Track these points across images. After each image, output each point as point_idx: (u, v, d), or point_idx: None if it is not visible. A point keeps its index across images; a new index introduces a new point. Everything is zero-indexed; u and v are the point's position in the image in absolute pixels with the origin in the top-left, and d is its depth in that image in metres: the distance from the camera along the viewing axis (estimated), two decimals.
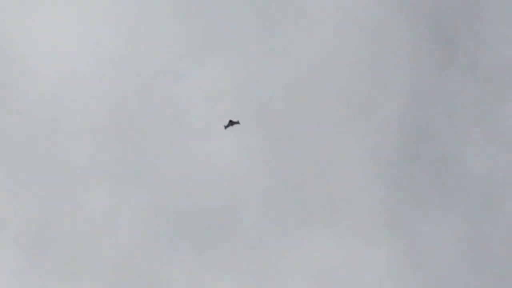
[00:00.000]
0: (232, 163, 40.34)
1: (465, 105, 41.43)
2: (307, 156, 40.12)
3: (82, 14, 41.97)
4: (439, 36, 41.54)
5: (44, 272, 39.00)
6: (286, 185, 39.77)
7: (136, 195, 38.37)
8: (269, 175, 39.86)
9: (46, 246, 38.39)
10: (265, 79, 41.03)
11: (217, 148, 40.88)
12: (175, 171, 39.48)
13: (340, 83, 41.06)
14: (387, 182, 39.21)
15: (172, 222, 38.68)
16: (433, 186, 39.26)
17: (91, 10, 42.00)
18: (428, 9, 41.87)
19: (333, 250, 38.21)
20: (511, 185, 40.49)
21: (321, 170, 39.21)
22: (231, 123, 46.07)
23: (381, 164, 39.04)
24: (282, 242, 38.20)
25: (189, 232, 38.35)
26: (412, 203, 39.11)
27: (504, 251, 40.15)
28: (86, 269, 38.80)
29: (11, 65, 41.26)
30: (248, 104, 41.83)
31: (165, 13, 41.51)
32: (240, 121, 44.45)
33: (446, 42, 42.05)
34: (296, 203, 38.52)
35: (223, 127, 45.07)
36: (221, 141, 42.20)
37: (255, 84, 41.50)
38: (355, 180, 39.22)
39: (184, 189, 40.17)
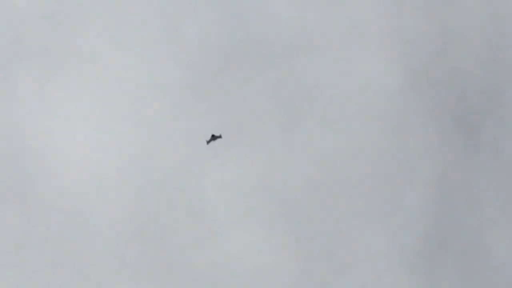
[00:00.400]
0: (257, 258, 41.68)
1: (489, 192, 42.36)
2: (331, 247, 40.80)
3: (105, 113, 42.88)
4: (462, 122, 42.85)
5: None
6: (312, 279, 40.44)
7: None
8: (295, 268, 40.42)
9: None
10: (289, 174, 41.91)
11: (242, 243, 41.26)
12: (200, 268, 39.84)
13: (364, 173, 42.04)
14: (412, 271, 40.03)
15: None
16: (459, 274, 40.63)
17: (114, 110, 43.07)
18: (451, 98, 43.44)
19: None
20: None
21: (346, 261, 40.10)
22: (214, 137, 46.41)
23: (407, 253, 39.79)
24: None
25: None
26: None
27: None
28: None
29: (30, 161, 41.70)
30: (272, 199, 42.99)
31: (188, 109, 42.77)
32: (222, 135, 45.20)
33: (470, 128, 43.29)
34: None
35: (206, 143, 45.53)
36: (246, 236, 42.46)
37: (279, 179, 43.13)
38: (380, 270, 40.00)
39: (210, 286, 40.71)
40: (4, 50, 40.78)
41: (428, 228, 40.62)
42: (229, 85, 42.89)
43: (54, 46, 42.28)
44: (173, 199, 41.06)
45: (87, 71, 42.87)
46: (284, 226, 40.91)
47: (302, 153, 41.87)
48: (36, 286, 39.30)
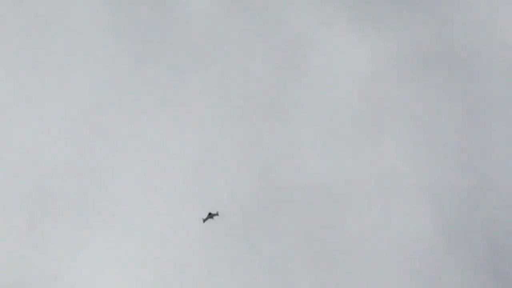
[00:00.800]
0: None
1: None
2: None
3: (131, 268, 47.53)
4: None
5: None
6: None
7: None
8: None
9: None
10: None
11: None
12: None
13: None
14: None
15: None
16: None
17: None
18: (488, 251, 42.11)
19: None
20: None
21: None
22: (210, 215, 46.62)
23: None
24: None
25: None
26: None
27: None
28: None
29: None
30: None
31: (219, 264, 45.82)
32: (219, 213, 46.89)
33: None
34: None
35: (202, 221, 46.55)
36: None
37: None
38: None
39: None
40: (36, 205, 45.19)
41: None
42: (261, 239, 43.20)
43: (84, 203, 46.07)
44: None
45: (115, 230, 45.26)
46: None
47: None
48: None
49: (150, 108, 49.32)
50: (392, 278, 40.97)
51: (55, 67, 53.66)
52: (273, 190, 44.26)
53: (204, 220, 44.15)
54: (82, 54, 53.00)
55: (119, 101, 49.65)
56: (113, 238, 46.79)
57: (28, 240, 45.60)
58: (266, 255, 42.25)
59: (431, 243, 41.83)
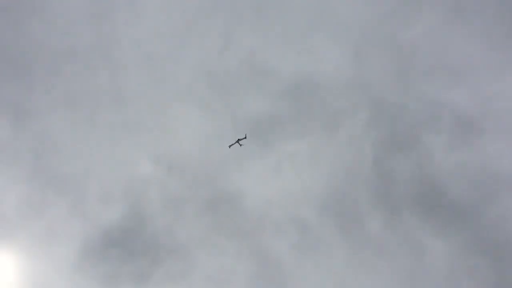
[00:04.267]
0: None
1: None
2: None
3: None
4: None
5: None
6: None
7: None
8: None
9: None
10: None
11: None
12: None
13: None
14: None
15: None
16: None
17: None
18: None
19: None
20: None
21: None
22: (238, 140, 44.01)
23: None
24: None
25: None
26: None
27: None
28: None
29: None
30: None
31: None
32: (246, 136, 42.76)
33: None
34: None
35: (228, 147, 42.81)
36: None
37: None
38: None
39: None
40: None
41: None
42: None
43: None
44: None
45: None
46: None
47: None
48: None
49: None
50: None
51: None
52: None
53: (231, 146, 43.43)
54: None
55: None
56: None
57: None
58: None
59: None
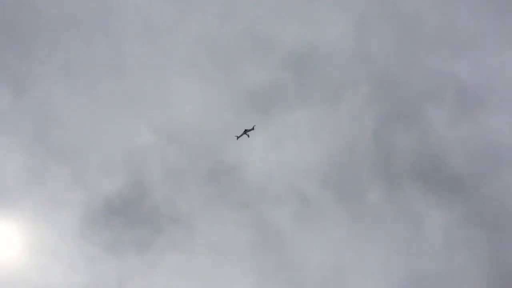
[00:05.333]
0: None
1: None
2: None
3: None
4: None
5: None
6: None
7: None
8: None
9: None
10: None
11: None
12: None
13: None
14: None
15: None
16: None
17: None
18: None
19: None
20: None
21: None
22: (245, 131, 43.44)
23: None
24: None
25: None
26: None
27: None
28: None
29: None
30: None
31: None
32: (254, 127, 41.90)
33: None
34: None
35: (236, 138, 41.56)
36: None
37: None
38: None
39: None
40: None
41: None
42: None
43: None
44: None
45: None
46: None
47: None
48: None
49: None
50: None
51: None
52: None
53: (238, 137, 41.98)
54: None
55: None
56: None
57: None
58: None
59: None
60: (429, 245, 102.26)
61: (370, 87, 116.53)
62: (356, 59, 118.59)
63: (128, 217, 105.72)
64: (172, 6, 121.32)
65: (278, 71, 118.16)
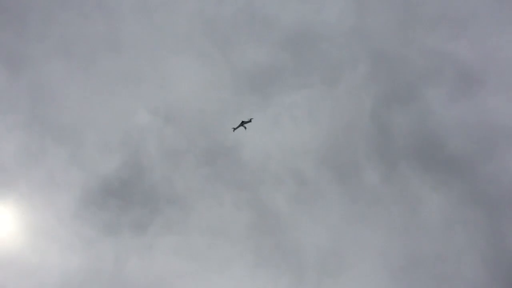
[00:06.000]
0: None
1: None
2: None
3: None
4: None
5: None
6: None
7: None
8: None
9: None
10: None
11: None
12: None
13: None
14: None
15: None
16: None
17: None
18: None
19: None
20: None
21: None
22: (242, 123, 42.81)
23: None
24: None
25: None
26: None
27: None
28: None
29: None
30: None
31: None
32: (252, 120, 41.05)
33: None
34: None
35: (232, 130, 41.06)
36: None
37: None
38: None
39: None
40: None
41: None
42: None
43: None
44: None
45: None
46: None
47: None
48: None
49: None
50: None
51: None
52: None
53: (235, 129, 41.23)
54: None
55: None
56: None
57: None
58: None
59: None
60: (427, 226, 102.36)
61: (368, 67, 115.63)
62: (354, 39, 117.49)
63: (125, 197, 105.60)
64: None
65: (276, 50, 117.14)
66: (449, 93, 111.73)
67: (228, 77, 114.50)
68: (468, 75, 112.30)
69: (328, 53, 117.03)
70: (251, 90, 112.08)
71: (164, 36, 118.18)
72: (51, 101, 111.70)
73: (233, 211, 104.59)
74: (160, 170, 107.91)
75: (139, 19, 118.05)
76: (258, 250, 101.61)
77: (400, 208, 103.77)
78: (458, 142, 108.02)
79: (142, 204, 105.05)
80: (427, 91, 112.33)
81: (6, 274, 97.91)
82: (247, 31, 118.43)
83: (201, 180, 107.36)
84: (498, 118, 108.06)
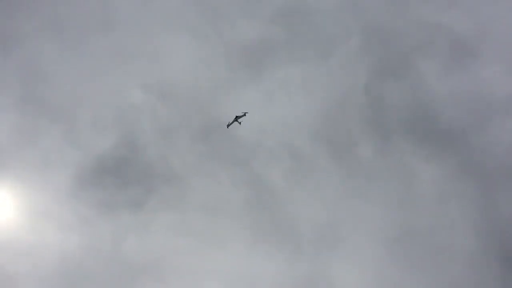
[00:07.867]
0: None
1: None
2: None
3: None
4: None
5: None
6: None
7: None
8: None
9: None
10: None
11: None
12: None
13: None
14: None
15: None
16: None
17: None
18: None
19: None
20: None
21: None
22: (236, 119, 42.37)
23: None
24: None
25: None
26: None
27: None
28: None
29: None
30: None
31: None
32: (246, 114, 40.46)
33: None
34: None
35: (226, 126, 40.81)
36: None
37: None
38: None
39: None
40: None
41: None
42: None
43: None
44: None
45: None
46: None
47: None
48: None
49: None
50: None
51: None
52: None
53: (229, 125, 40.59)
54: None
55: None
56: None
57: None
58: None
59: None
60: (421, 198, 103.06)
61: (362, 40, 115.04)
62: (347, 12, 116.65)
63: (120, 176, 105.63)
64: None
65: (269, 25, 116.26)
66: (443, 64, 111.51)
67: (220, 53, 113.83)
68: (461, 46, 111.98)
69: (321, 27, 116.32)
70: (244, 65, 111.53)
71: (156, 13, 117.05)
72: (44, 80, 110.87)
73: (229, 187, 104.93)
74: (155, 148, 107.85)
75: None
76: (255, 225, 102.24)
77: (394, 181, 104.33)
78: (452, 114, 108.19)
79: (138, 182, 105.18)
80: (420, 63, 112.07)
81: (4, 255, 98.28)
82: (239, 6, 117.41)
83: (196, 156, 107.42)
84: (492, 89, 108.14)
